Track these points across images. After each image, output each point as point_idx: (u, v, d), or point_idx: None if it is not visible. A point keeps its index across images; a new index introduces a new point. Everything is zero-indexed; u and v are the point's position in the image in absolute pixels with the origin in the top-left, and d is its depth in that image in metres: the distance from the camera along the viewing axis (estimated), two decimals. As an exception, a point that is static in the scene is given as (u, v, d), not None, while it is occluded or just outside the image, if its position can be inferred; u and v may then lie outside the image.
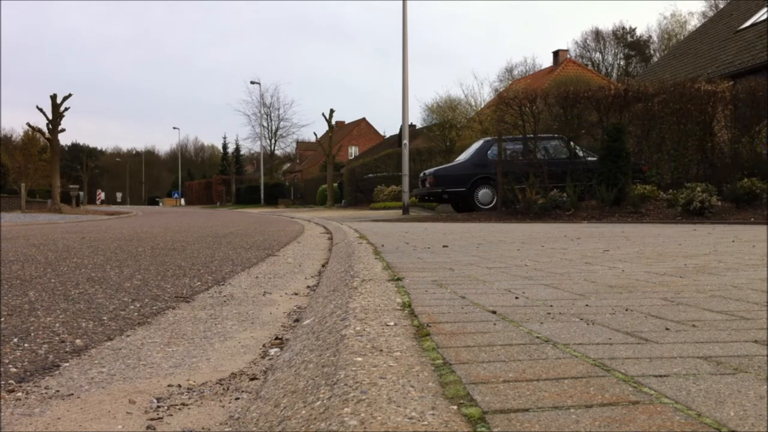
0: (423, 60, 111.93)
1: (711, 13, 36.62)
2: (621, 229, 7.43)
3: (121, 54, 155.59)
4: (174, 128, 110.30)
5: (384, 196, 23.51)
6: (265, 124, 60.20)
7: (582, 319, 1.79)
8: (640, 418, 0.98)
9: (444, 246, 4.83)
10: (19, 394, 1.55)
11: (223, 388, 1.62)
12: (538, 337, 1.55)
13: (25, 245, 6.42)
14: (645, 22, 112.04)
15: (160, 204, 74.33)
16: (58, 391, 1.58)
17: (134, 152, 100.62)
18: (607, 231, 7.07)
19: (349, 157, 53.70)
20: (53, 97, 26.99)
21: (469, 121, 28.85)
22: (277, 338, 2.19)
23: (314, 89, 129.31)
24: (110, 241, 7.12)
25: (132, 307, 2.79)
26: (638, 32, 56.45)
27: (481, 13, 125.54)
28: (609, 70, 54.22)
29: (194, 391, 1.59)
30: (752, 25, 17.75)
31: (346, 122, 69.50)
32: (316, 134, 42.03)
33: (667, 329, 1.65)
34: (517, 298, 2.21)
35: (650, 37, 55.31)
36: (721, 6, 32.35)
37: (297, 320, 2.50)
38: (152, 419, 1.39)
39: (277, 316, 2.63)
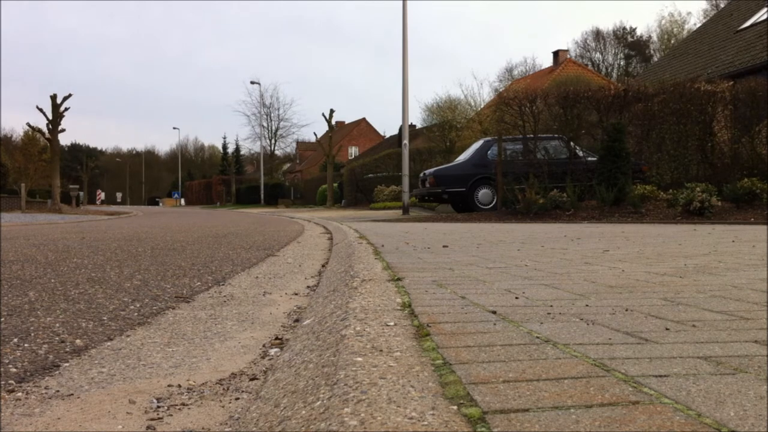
0: (423, 61, 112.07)
1: (712, 13, 36.62)
2: (621, 229, 7.43)
3: (120, 54, 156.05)
4: (174, 128, 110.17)
5: (384, 196, 23.51)
6: (265, 124, 60.22)
7: (582, 319, 1.79)
8: (640, 418, 0.98)
9: (444, 246, 4.83)
10: (19, 394, 1.55)
11: (223, 388, 1.62)
12: (538, 337, 1.55)
13: (25, 245, 6.42)
14: (645, 22, 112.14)
15: (160, 204, 74.34)
16: (58, 391, 1.58)
17: (134, 152, 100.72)
18: (607, 231, 7.07)
19: (349, 157, 53.69)
20: (53, 97, 27.00)
21: (468, 122, 28.84)
22: (277, 338, 2.19)
23: (314, 89, 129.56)
24: (110, 241, 7.12)
25: (132, 307, 2.79)
26: (638, 32, 56.53)
27: (481, 14, 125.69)
28: (609, 70, 54.22)
29: (194, 391, 1.59)
30: (752, 25, 17.75)
31: (346, 122, 69.47)
32: (316, 134, 42.06)
33: (667, 329, 1.64)
34: (517, 298, 2.21)
35: (650, 37, 55.35)
36: (722, 6, 32.35)
37: (297, 320, 2.50)
38: (152, 419, 1.39)
39: (277, 316, 2.63)
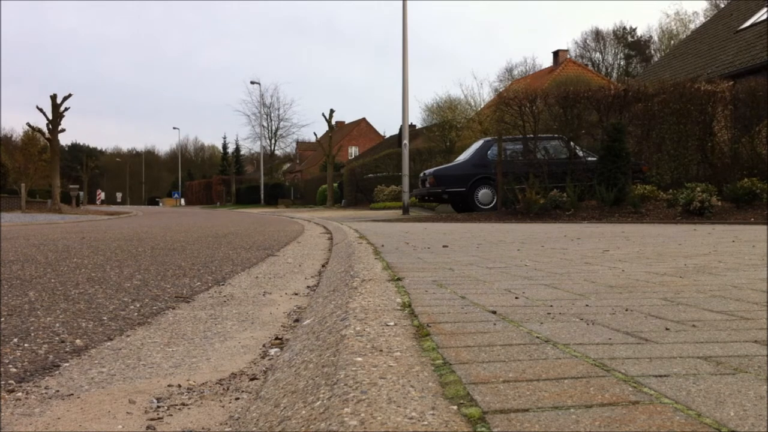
0: (423, 61, 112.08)
1: (712, 13, 36.59)
2: (621, 229, 7.43)
3: (120, 54, 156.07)
4: (174, 128, 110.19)
5: (384, 196, 23.52)
6: (265, 124, 60.37)
7: (582, 319, 1.79)
8: (640, 418, 0.98)
9: (444, 246, 4.83)
10: (19, 394, 1.55)
11: (223, 388, 1.62)
12: (538, 337, 1.55)
13: (25, 245, 6.42)
14: (645, 22, 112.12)
15: (160, 204, 74.35)
16: (58, 391, 1.58)
17: (134, 152, 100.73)
18: (607, 231, 7.07)
19: (349, 157, 53.67)
20: (53, 97, 27.00)
21: (469, 122, 28.83)
22: (277, 338, 2.19)
23: (314, 89, 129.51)
24: (110, 241, 7.12)
25: (132, 307, 2.79)
26: (639, 32, 56.56)
27: (481, 14, 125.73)
28: (609, 70, 54.23)
29: (194, 391, 1.59)
30: (752, 25, 17.75)
31: (346, 122, 69.49)
32: (316, 134, 42.10)
33: (667, 329, 1.64)
34: (517, 298, 2.21)
35: (650, 37, 55.36)
36: (722, 6, 32.35)
37: (297, 320, 2.50)
38: (152, 419, 1.39)
39: (277, 316, 2.63)
